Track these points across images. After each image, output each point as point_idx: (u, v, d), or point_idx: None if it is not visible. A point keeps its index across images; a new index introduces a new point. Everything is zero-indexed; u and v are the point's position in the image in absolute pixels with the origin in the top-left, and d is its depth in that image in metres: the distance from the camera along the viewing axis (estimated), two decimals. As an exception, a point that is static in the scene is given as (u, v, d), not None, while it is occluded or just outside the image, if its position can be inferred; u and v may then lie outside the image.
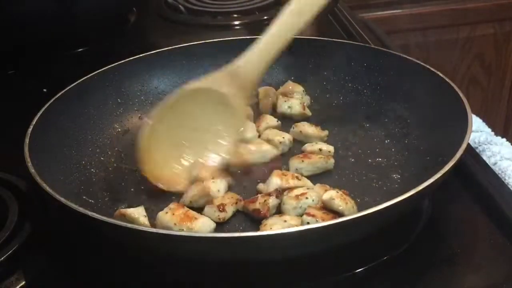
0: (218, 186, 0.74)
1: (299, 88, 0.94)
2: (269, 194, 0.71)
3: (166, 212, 0.69)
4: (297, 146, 0.84)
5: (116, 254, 0.68)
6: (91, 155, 0.83)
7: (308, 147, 0.82)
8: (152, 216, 0.72)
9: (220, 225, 0.71)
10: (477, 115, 1.04)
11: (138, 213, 0.70)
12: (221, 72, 0.80)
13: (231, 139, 0.79)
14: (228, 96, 0.78)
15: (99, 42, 1.22)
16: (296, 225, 0.67)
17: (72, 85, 0.87)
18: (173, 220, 0.68)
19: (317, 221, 0.66)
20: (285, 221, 0.68)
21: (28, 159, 0.70)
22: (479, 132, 1.00)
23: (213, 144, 0.78)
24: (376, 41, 1.14)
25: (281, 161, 0.81)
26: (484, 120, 1.06)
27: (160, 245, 0.62)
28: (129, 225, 0.61)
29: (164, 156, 0.78)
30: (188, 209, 0.69)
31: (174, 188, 0.76)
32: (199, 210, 0.72)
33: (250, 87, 0.80)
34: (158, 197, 0.77)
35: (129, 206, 0.73)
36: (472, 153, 0.83)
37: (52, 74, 1.10)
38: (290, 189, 0.73)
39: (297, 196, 0.71)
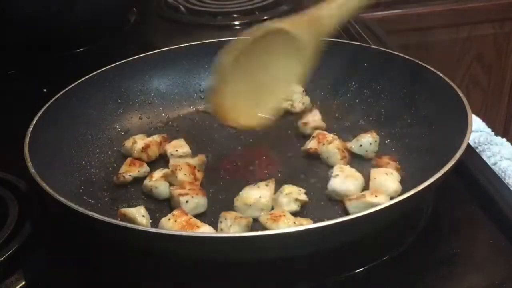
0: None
1: (299, 89, 0.94)
2: None
3: (169, 219, 0.69)
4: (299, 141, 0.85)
5: (116, 254, 0.68)
6: (91, 155, 0.83)
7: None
8: (152, 216, 0.72)
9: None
10: (477, 115, 1.04)
11: (138, 213, 0.70)
12: (303, 17, 0.78)
13: (289, 85, 0.80)
14: (304, 42, 0.76)
15: (99, 42, 1.22)
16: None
17: (72, 85, 0.87)
18: (175, 227, 0.68)
19: None
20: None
21: (28, 159, 0.70)
22: (479, 132, 1.01)
23: (274, 87, 0.78)
24: (376, 41, 1.14)
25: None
26: (484, 120, 1.06)
27: (160, 245, 0.62)
28: (129, 225, 0.61)
29: (233, 92, 0.76)
30: (191, 216, 0.69)
31: (238, 123, 0.77)
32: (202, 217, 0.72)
33: (324, 36, 0.78)
34: (158, 197, 0.77)
35: (129, 206, 0.73)
36: (472, 153, 0.83)
37: (52, 74, 1.10)
38: None
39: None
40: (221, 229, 0.68)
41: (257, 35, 0.75)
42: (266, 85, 0.77)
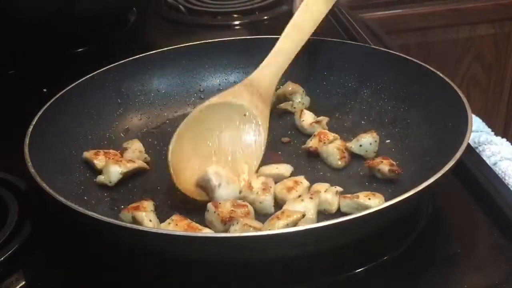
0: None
1: (299, 89, 0.94)
2: None
3: (169, 223, 0.68)
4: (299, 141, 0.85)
5: (116, 254, 0.68)
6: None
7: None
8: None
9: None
10: (477, 115, 1.04)
11: (147, 217, 0.69)
12: (237, 86, 0.84)
13: (257, 146, 0.81)
14: (247, 107, 0.82)
15: (99, 42, 1.22)
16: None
17: (72, 85, 0.87)
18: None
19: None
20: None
21: (28, 159, 0.70)
22: (479, 132, 1.01)
23: (239, 154, 0.81)
24: (376, 41, 1.14)
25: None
26: (484, 120, 1.06)
27: (160, 245, 0.62)
28: (129, 225, 0.61)
29: (192, 168, 0.76)
30: (190, 220, 0.69)
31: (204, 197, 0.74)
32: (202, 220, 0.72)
33: (266, 95, 0.85)
34: (157, 197, 0.77)
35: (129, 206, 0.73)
36: (472, 153, 0.83)
37: (52, 74, 1.10)
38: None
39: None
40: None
41: (196, 114, 0.79)
42: (226, 153, 0.80)
